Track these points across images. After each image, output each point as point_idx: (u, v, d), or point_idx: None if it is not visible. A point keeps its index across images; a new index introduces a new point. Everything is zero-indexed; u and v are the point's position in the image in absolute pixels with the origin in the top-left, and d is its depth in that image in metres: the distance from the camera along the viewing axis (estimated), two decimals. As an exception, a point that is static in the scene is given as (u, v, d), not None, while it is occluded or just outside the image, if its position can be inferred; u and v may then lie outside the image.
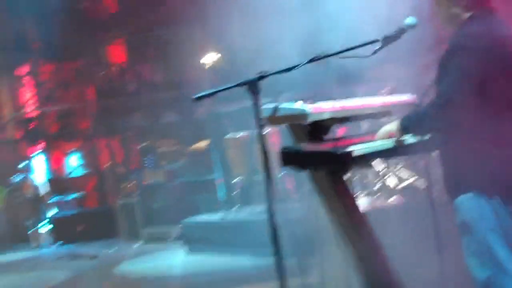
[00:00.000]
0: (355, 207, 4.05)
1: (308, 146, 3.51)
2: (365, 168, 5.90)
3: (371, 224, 4.24)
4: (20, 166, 16.68)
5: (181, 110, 16.26)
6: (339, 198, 3.83)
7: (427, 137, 3.65)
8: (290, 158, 3.53)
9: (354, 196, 4.20)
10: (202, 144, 14.02)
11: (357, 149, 3.44)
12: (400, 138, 3.64)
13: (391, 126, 3.66)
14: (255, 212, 9.93)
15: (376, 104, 3.98)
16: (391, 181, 7.64)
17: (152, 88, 17.41)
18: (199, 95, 3.56)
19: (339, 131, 3.78)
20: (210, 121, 12.60)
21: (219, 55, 12.71)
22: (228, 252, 9.86)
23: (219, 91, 3.54)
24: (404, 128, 3.60)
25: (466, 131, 3.38)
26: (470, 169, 3.42)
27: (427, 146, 3.68)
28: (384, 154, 3.71)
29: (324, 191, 3.80)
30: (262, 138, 3.39)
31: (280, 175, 9.46)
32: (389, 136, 3.66)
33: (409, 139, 3.67)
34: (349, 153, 3.39)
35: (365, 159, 3.62)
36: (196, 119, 14.58)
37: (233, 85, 3.50)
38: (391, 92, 5.87)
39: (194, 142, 14.49)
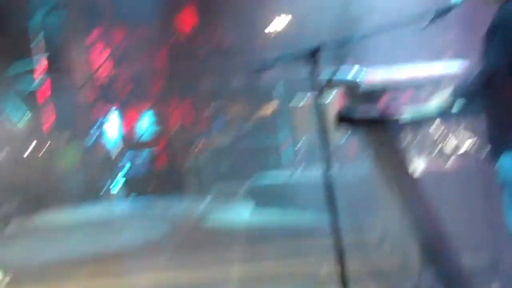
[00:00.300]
0: (406, 169, 4.32)
1: (361, 110, 3.82)
2: (417, 132, 6.13)
3: (424, 186, 4.47)
4: (95, 127, 17.50)
5: (249, 75, 16.63)
6: (390, 160, 4.14)
7: (475, 103, 3.90)
8: (345, 120, 3.84)
9: (407, 158, 4.44)
10: (269, 109, 14.37)
11: (407, 114, 3.74)
12: (450, 104, 3.89)
13: (443, 92, 3.93)
14: (318, 173, 10.28)
15: (429, 72, 4.23)
16: (449, 145, 7.74)
17: (221, 54, 17.83)
18: (263, 64, 3.88)
19: (392, 97, 4.03)
20: (277, 86, 12.89)
21: (286, 21, 12.97)
22: (290, 209, 10.33)
23: (281, 60, 3.82)
24: (454, 95, 3.88)
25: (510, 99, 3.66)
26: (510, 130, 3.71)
27: (475, 111, 3.93)
28: (434, 119, 3.98)
29: (376, 153, 4.12)
30: (319, 104, 3.73)
31: (342, 139, 9.75)
32: (439, 102, 3.92)
33: (458, 105, 3.90)
34: (399, 117, 3.71)
35: (416, 124, 3.92)
36: (264, 84, 14.91)
37: (295, 53, 3.79)
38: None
39: (261, 106, 14.87)
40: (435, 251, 4.30)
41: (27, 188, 14.46)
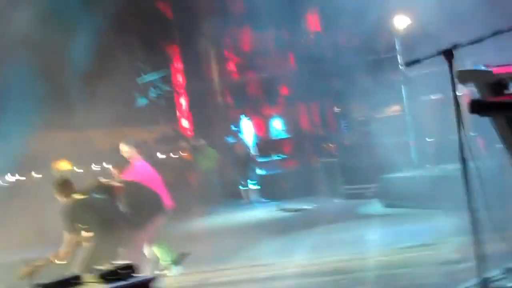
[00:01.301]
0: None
1: (491, 98, 4.28)
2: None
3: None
4: (232, 128, 18.45)
5: (376, 74, 16.92)
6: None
7: None
8: (477, 107, 4.31)
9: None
10: (396, 107, 14.58)
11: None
12: None
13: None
14: (448, 169, 10.49)
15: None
16: None
17: (347, 54, 18.23)
18: (409, 61, 4.41)
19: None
20: (404, 84, 13.10)
21: (410, 21, 13.16)
22: (421, 207, 10.53)
23: (424, 59, 4.34)
24: None
25: None
26: None
27: None
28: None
29: (505, 136, 4.54)
30: (456, 100, 4.22)
31: (472, 135, 9.91)
32: None
33: None
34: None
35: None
36: (390, 83, 15.13)
37: (432, 53, 4.30)
38: None
39: (389, 105, 15.09)
40: None
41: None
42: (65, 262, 6.19)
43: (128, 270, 3.46)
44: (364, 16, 15.18)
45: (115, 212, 6.88)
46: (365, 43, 17.87)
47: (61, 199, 6.67)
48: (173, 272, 8.20)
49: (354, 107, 16.57)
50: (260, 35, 19.79)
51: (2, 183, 28.69)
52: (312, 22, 19.78)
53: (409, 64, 4.42)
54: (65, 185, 6.76)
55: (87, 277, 3.53)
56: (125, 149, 8.36)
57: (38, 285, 3.36)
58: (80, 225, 6.39)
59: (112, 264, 3.61)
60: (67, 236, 6.35)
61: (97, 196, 6.86)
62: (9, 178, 30.33)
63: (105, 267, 3.58)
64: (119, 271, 3.44)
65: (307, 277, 7.28)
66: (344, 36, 18.86)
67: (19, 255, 6.58)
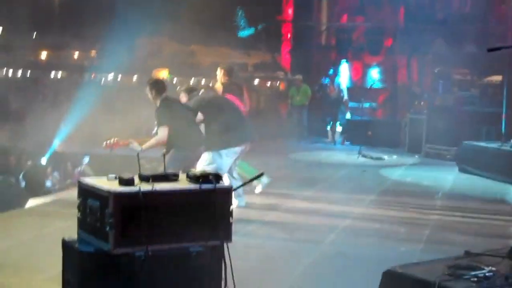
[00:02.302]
0: None
1: None
2: None
3: None
4: (329, 70, 18.90)
5: (482, 42, 16.86)
6: None
7: None
8: None
9: None
10: (496, 77, 14.59)
11: None
12: None
13: None
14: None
15: None
16: None
17: (459, 18, 18.17)
18: (493, 47, 4.72)
19: None
20: (507, 56, 13.09)
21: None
22: (496, 178, 10.85)
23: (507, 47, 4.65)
24: None
25: None
26: None
27: None
28: None
29: None
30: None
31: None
32: None
33: None
34: None
35: None
36: (495, 53, 15.04)
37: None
38: None
39: (488, 74, 15.11)
40: None
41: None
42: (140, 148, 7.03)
43: (216, 176, 4.13)
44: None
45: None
46: (478, 10, 17.75)
47: (151, 98, 7.33)
48: (261, 186, 8.95)
49: (454, 70, 16.63)
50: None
51: (106, 82, 30.28)
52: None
53: (491, 50, 4.67)
54: (158, 84, 7.42)
55: (183, 176, 4.23)
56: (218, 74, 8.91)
57: (142, 174, 4.07)
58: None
59: (204, 170, 4.24)
60: (160, 132, 7.17)
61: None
62: (112, 77, 31.93)
63: (198, 171, 4.28)
64: (210, 176, 4.13)
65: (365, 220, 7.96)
66: (458, 0, 18.76)
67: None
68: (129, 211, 3.83)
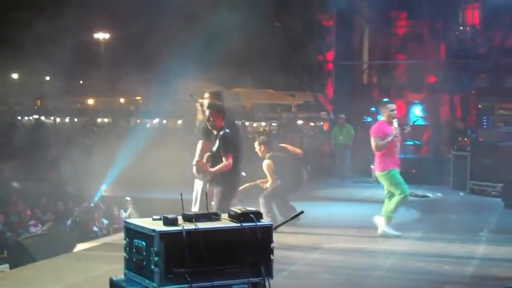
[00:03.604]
0: None
1: None
2: None
3: None
4: (372, 108, 18.92)
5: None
6: None
7: None
8: None
9: None
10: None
11: None
12: None
13: None
14: None
15: None
16: None
17: (501, 53, 18.09)
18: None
19: None
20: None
21: None
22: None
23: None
24: None
25: None
26: None
27: None
28: None
29: None
30: None
31: None
32: None
33: None
34: None
35: None
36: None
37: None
38: None
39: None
40: None
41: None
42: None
43: (256, 215, 4.26)
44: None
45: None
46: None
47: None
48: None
49: (498, 106, 16.53)
50: (416, 21, 19.98)
51: (151, 125, 30.80)
52: (471, 15, 19.72)
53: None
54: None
55: (224, 215, 4.37)
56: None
57: (185, 214, 4.23)
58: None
59: (245, 208, 4.36)
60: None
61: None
62: (155, 121, 32.46)
63: (238, 209, 4.41)
64: (250, 214, 4.26)
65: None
66: (500, 34, 18.71)
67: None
68: (174, 249, 3.97)
